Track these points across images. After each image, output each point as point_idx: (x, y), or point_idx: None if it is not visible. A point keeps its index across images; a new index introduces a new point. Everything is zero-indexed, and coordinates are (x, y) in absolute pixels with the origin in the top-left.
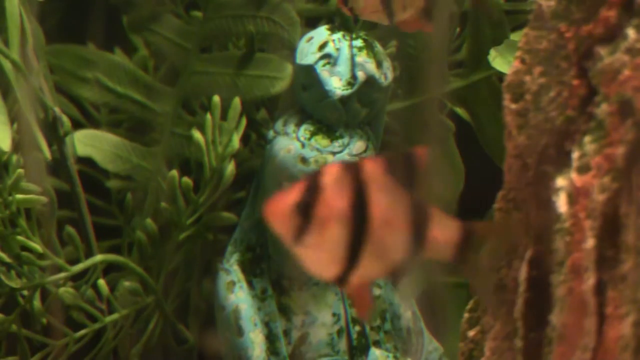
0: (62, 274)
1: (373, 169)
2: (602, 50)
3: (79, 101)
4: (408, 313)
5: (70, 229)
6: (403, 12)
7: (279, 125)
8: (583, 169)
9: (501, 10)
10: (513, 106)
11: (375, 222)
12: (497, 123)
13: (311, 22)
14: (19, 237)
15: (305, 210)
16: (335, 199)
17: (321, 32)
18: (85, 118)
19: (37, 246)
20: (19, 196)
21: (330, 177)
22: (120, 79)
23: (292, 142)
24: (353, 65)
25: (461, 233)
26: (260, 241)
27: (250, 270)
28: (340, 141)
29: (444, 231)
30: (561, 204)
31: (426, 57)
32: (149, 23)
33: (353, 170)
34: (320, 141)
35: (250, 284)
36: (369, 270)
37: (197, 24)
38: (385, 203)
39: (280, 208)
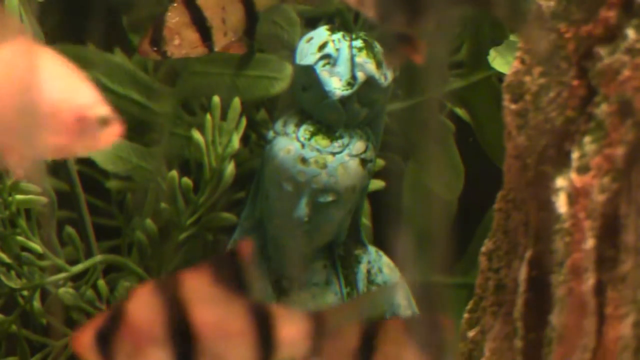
0: (62, 275)
1: (195, 283)
2: (602, 51)
3: None
4: (407, 314)
5: (70, 229)
6: (224, 38)
7: (278, 125)
8: (583, 170)
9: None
10: (513, 106)
11: (205, 339)
12: (497, 123)
13: (311, 23)
14: (19, 238)
15: (109, 342)
16: (143, 325)
17: (321, 33)
18: None
19: (37, 246)
20: (19, 196)
21: (138, 302)
22: (120, 80)
23: (292, 142)
24: (353, 65)
25: (312, 324)
26: (260, 242)
27: None
28: (340, 141)
29: (292, 326)
30: (561, 204)
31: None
32: (149, 23)
33: (168, 289)
34: (320, 141)
35: None
36: None
37: None
38: (215, 316)
39: (84, 338)
